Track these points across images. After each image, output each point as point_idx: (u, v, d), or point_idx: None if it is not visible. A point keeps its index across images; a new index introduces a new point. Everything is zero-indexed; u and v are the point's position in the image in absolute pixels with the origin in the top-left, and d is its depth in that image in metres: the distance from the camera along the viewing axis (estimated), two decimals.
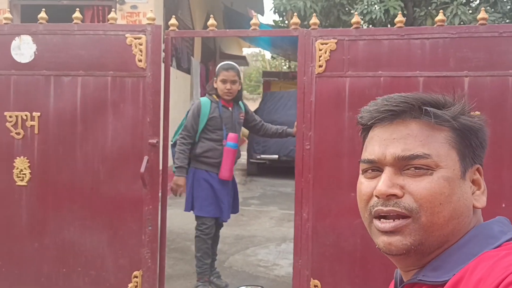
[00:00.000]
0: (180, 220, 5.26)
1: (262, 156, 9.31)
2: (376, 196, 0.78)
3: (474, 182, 0.80)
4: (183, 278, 4.08)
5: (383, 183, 0.77)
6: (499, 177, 2.72)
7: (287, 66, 19.57)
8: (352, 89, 2.99)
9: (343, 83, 2.99)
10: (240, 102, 3.95)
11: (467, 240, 0.76)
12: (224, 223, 4.01)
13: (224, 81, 3.70)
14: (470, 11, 7.28)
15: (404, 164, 0.77)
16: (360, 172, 0.85)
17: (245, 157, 10.40)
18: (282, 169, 9.35)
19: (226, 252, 4.87)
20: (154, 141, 3.11)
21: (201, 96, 9.57)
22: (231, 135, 3.69)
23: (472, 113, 0.82)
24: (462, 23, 6.64)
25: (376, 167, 0.81)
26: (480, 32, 2.84)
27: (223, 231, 5.60)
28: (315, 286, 3.05)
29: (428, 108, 0.78)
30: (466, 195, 0.77)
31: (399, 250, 0.76)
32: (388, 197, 0.76)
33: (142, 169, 3.04)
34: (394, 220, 0.76)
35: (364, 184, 0.82)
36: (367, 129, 0.86)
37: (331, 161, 3.02)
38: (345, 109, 3.00)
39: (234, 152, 3.71)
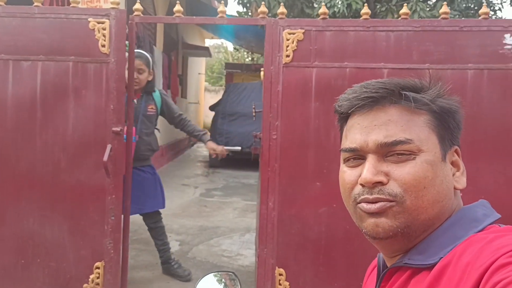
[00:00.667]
0: None
1: (225, 147, 9.26)
2: (361, 184, 0.78)
3: (453, 163, 0.82)
4: (146, 269, 4.03)
5: (368, 171, 0.76)
6: None
7: (250, 58, 19.56)
8: (319, 79, 3.01)
9: (310, 73, 3.02)
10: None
11: (452, 224, 0.77)
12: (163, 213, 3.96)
13: (137, 71, 3.55)
14: (428, 8, 7.49)
15: (387, 151, 0.77)
16: (342, 161, 0.84)
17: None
18: (245, 161, 9.37)
19: (190, 243, 4.84)
20: (118, 129, 3.03)
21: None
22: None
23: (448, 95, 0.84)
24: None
25: (358, 155, 0.80)
26: (442, 26, 2.92)
27: (185, 222, 5.58)
28: (280, 274, 3.07)
29: (407, 92, 0.78)
30: (448, 178, 0.78)
31: (386, 233, 0.76)
32: (374, 185, 0.76)
33: (105, 158, 2.96)
34: (379, 202, 0.76)
35: (347, 173, 0.81)
36: (345, 117, 0.85)
37: (297, 151, 3.04)
38: (312, 100, 3.02)
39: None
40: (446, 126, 0.80)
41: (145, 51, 4.06)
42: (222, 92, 14.85)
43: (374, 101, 0.79)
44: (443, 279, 0.68)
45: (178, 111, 4.02)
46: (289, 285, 3.07)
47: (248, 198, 6.95)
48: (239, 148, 9.10)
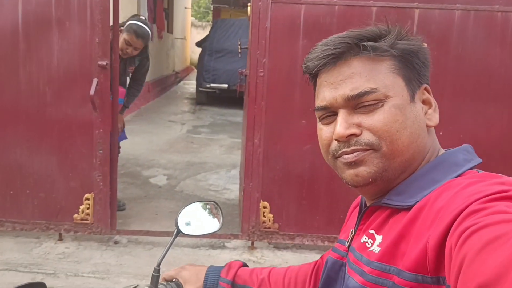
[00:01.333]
0: (129, 146, 5.23)
1: (212, 85, 9.21)
2: (336, 140, 0.80)
3: (424, 102, 0.83)
4: (134, 201, 4.14)
5: (340, 125, 0.78)
6: (439, 107, 2.88)
7: None
8: (307, 16, 2.98)
9: (298, 10, 2.98)
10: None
11: (432, 167, 0.79)
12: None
13: (128, 44, 3.51)
14: None
15: (356, 103, 0.78)
16: (318, 119, 0.87)
17: (194, 86, 10.27)
18: (232, 98, 9.36)
19: (177, 177, 4.95)
20: (104, 62, 3.01)
21: (148, 20, 9.18)
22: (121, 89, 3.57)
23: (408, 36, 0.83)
24: None
25: (330, 112, 0.82)
26: None
27: (173, 158, 5.68)
28: (264, 207, 3.20)
29: (365, 43, 0.79)
30: (419, 117, 0.80)
31: (366, 180, 0.79)
32: (348, 138, 0.78)
33: (92, 92, 2.96)
34: (357, 151, 0.79)
35: (323, 130, 0.84)
36: (314, 76, 0.87)
37: (284, 89, 3.06)
38: (300, 37, 3.01)
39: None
40: (411, 67, 0.81)
41: None
42: (209, 28, 14.49)
43: (335, 57, 0.80)
44: (417, 221, 0.71)
45: (142, 81, 4.01)
46: (272, 217, 3.21)
47: (234, 136, 7.03)
48: (226, 85, 9.05)
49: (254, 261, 3.18)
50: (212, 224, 1.16)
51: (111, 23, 3.12)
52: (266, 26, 3.00)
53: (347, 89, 0.79)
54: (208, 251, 3.31)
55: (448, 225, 0.64)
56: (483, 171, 0.77)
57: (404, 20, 2.83)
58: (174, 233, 1.10)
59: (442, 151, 0.85)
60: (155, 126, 7.42)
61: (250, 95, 3.10)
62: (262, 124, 3.10)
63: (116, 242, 3.36)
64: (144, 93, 8.72)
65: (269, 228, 3.23)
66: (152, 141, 6.30)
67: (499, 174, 0.73)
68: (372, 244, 0.79)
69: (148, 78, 9.70)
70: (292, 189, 3.18)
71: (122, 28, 3.51)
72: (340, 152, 0.80)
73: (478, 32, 2.89)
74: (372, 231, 0.81)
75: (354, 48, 0.79)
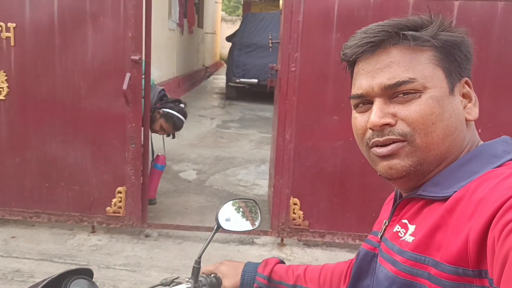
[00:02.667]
0: (160, 140, 5.26)
1: (242, 80, 9.21)
2: (370, 128, 0.79)
3: (464, 95, 0.81)
4: (164, 196, 4.18)
5: (375, 114, 0.77)
6: (479, 103, 2.78)
7: None
8: (341, 9, 2.92)
9: (332, 2, 2.92)
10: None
11: (470, 158, 0.77)
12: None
13: (162, 129, 3.65)
14: None
15: (392, 92, 0.77)
16: (352, 107, 0.85)
17: (224, 80, 10.29)
18: (261, 93, 9.34)
19: (207, 172, 4.97)
20: (137, 57, 3.02)
21: (179, 15, 9.22)
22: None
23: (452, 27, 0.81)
24: None
25: (366, 101, 0.81)
26: None
27: (202, 152, 5.70)
28: (294, 204, 3.17)
29: (405, 32, 0.76)
30: (457, 111, 0.78)
31: (400, 173, 0.78)
32: (382, 127, 0.77)
33: (125, 86, 2.98)
34: (390, 145, 0.78)
35: (358, 119, 0.83)
36: (352, 64, 0.85)
37: (316, 84, 3.01)
38: (333, 31, 2.95)
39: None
40: (452, 59, 0.78)
41: None
42: (239, 22, 14.49)
43: (374, 45, 0.78)
44: (455, 212, 0.69)
45: None
46: (303, 214, 3.17)
47: (263, 131, 7.01)
48: (256, 80, 9.03)
49: (283, 258, 3.16)
50: (250, 222, 1.20)
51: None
52: (298, 19, 2.95)
53: (385, 77, 0.77)
54: (238, 246, 3.31)
55: (490, 217, 0.61)
56: None
57: (443, 12, 2.72)
58: (215, 228, 1.13)
59: (481, 143, 0.82)
60: (185, 121, 7.46)
61: (281, 90, 3.06)
62: (293, 120, 3.06)
63: (147, 236, 3.39)
64: (174, 88, 8.80)
65: (299, 225, 3.20)
66: (182, 135, 6.30)
67: None
68: (405, 233, 0.78)
69: (178, 72, 9.81)
70: (323, 186, 3.14)
71: (161, 111, 3.59)
72: (372, 141, 0.79)
73: None
74: (405, 221, 0.80)
75: (394, 36, 0.77)
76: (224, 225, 1.14)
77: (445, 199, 0.73)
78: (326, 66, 2.97)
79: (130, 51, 3.03)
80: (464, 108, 0.80)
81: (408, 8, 2.85)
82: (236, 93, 9.78)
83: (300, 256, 3.21)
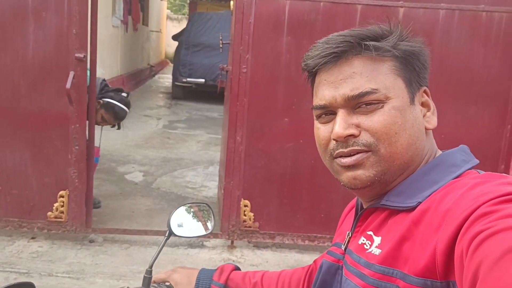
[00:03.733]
0: (104, 141, 5.09)
1: (188, 79, 9.08)
2: (335, 139, 0.78)
3: (423, 104, 0.82)
4: (110, 199, 4.04)
5: (339, 126, 0.77)
6: None
7: None
8: (292, 13, 2.94)
9: (283, 6, 2.94)
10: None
11: (430, 168, 0.78)
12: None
13: (103, 120, 3.49)
14: None
15: (355, 103, 0.77)
16: (315, 118, 0.85)
17: (170, 80, 10.12)
18: (209, 93, 9.27)
19: (153, 173, 4.85)
20: (81, 55, 2.90)
21: (123, 12, 8.97)
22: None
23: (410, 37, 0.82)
24: None
25: (329, 111, 0.80)
26: None
27: (149, 153, 5.58)
28: (245, 206, 3.16)
29: (367, 42, 0.77)
30: (418, 120, 0.79)
31: (364, 183, 0.78)
32: (346, 138, 0.77)
33: (68, 85, 2.85)
34: (355, 155, 0.78)
35: (321, 129, 0.82)
36: (313, 74, 0.84)
37: (267, 86, 3.02)
38: (284, 34, 2.96)
39: None
40: (411, 68, 0.79)
41: None
42: (185, 21, 14.31)
43: (337, 56, 0.78)
44: (421, 224, 0.69)
45: None
46: (253, 216, 3.17)
47: (211, 131, 6.95)
48: (203, 80, 8.94)
49: (233, 261, 3.14)
50: (204, 226, 1.16)
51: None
52: (250, 21, 2.95)
53: (348, 88, 0.77)
54: (187, 250, 3.25)
55: (457, 228, 0.61)
56: (484, 172, 0.75)
57: (388, 17, 2.82)
58: (166, 235, 1.10)
59: (440, 152, 0.83)
60: (130, 121, 7.24)
61: (232, 92, 3.04)
62: (244, 121, 3.05)
63: (91, 241, 3.26)
64: (118, 86, 8.54)
65: (250, 227, 3.19)
66: (127, 136, 6.16)
67: (504, 174, 0.71)
68: (371, 245, 0.77)
69: (123, 71, 9.54)
70: (273, 188, 3.15)
71: (101, 101, 3.43)
72: (337, 152, 0.79)
73: (462, 32, 2.90)
74: (370, 233, 0.79)
75: (356, 47, 0.77)
76: (177, 231, 1.11)
77: (409, 209, 0.74)
78: (277, 68, 2.99)
79: (74, 49, 2.89)
80: (424, 116, 0.81)
81: (356, 13, 2.92)
82: (182, 93, 9.63)
83: (251, 258, 3.21)
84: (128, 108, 3.60)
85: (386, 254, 0.72)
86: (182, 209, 1.15)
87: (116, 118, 3.54)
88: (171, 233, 1.10)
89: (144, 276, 1.05)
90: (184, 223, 1.13)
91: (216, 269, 1.13)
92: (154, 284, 1.09)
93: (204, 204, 1.19)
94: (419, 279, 0.66)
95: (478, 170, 0.77)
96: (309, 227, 3.19)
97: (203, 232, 1.16)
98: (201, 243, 3.36)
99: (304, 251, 3.32)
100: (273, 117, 3.05)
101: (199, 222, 1.16)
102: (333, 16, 2.92)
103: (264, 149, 3.09)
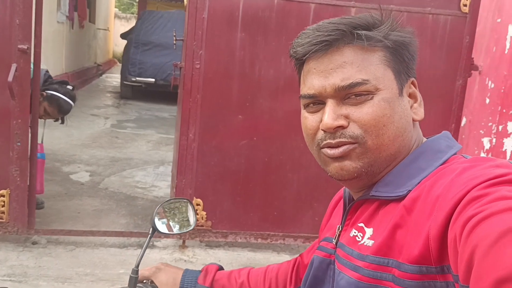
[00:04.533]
0: (48, 140, 4.87)
1: (138, 78, 8.87)
2: (323, 130, 0.77)
3: (410, 95, 0.82)
4: (54, 199, 3.86)
5: (328, 116, 0.76)
6: None
7: None
8: (246, 9, 2.93)
9: (237, 2, 2.92)
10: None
11: (416, 156, 0.78)
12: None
13: (47, 113, 3.37)
14: None
15: (345, 94, 0.76)
16: (302, 107, 0.83)
17: (118, 79, 9.85)
18: (159, 93, 9.09)
19: (101, 174, 4.69)
20: (25, 46, 2.75)
21: (69, 8, 8.64)
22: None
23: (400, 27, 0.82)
24: None
25: (317, 101, 0.79)
26: None
27: (96, 153, 5.40)
28: (197, 204, 3.10)
29: (359, 31, 0.76)
30: (406, 112, 0.79)
31: (351, 174, 0.77)
32: (335, 129, 0.76)
33: (10, 78, 2.69)
34: (342, 146, 0.77)
35: (309, 119, 0.81)
36: (301, 62, 0.82)
37: (220, 82, 2.99)
38: (238, 30, 2.94)
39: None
40: (401, 59, 0.79)
41: None
42: (133, 20, 14.00)
43: (328, 44, 0.76)
44: (414, 211, 0.69)
45: None
46: (205, 214, 3.12)
47: (162, 131, 6.81)
48: (153, 79, 8.77)
49: (185, 260, 3.08)
50: (186, 222, 1.18)
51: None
52: (203, 16, 2.91)
53: (338, 78, 0.76)
54: (137, 251, 3.15)
55: (449, 213, 0.62)
56: (470, 156, 0.76)
57: (302, 14, 2.88)
58: (150, 232, 1.09)
59: (425, 139, 0.84)
60: (76, 120, 6.96)
61: (185, 88, 2.99)
62: (197, 118, 3.00)
63: (34, 243, 3.09)
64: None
65: (202, 226, 3.14)
66: (72, 135, 5.91)
67: (491, 157, 0.72)
68: (362, 237, 0.77)
69: (67, 69, 9.19)
70: (226, 186, 3.12)
71: (44, 93, 3.26)
72: (324, 143, 0.78)
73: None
74: (361, 224, 0.79)
75: (348, 35, 0.76)
76: (160, 228, 1.11)
77: (399, 198, 0.74)
78: (231, 65, 2.96)
79: (17, 40, 2.74)
80: (411, 108, 0.81)
81: (309, 12, 2.95)
82: (131, 92, 9.40)
83: (203, 257, 3.15)
84: (74, 101, 3.46)
85: (380, 244, 0.72)
86: (163, 207, 1.15)
87: (60, 111, 3.39)
88: (154, 230, 1.09)
89: (130, 276, 1.05)
90: (167, 220, 1.15)
91: (200, 271, 1.12)
92: (139, 284, 1.08)
93: (185, 200, 1.20)
94: (414, 267, 0.66)
95: (463, 155, 0.78)
96: (262, 225, 3.18)
97: (186, 229, 1.17)
98: (151, 243, 3.26)
99: (257, 249, 3.31)
100: (227, 114, 3.02)
101: (181, 219, 1.17)
102: (287, 14, 2.93)
103: (218, 147, 3.06)
